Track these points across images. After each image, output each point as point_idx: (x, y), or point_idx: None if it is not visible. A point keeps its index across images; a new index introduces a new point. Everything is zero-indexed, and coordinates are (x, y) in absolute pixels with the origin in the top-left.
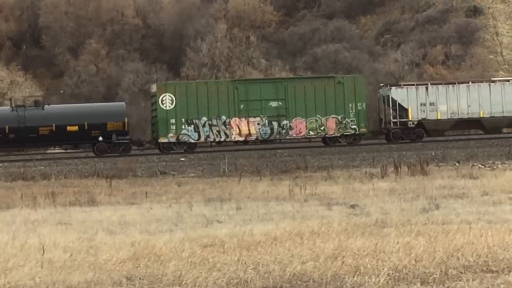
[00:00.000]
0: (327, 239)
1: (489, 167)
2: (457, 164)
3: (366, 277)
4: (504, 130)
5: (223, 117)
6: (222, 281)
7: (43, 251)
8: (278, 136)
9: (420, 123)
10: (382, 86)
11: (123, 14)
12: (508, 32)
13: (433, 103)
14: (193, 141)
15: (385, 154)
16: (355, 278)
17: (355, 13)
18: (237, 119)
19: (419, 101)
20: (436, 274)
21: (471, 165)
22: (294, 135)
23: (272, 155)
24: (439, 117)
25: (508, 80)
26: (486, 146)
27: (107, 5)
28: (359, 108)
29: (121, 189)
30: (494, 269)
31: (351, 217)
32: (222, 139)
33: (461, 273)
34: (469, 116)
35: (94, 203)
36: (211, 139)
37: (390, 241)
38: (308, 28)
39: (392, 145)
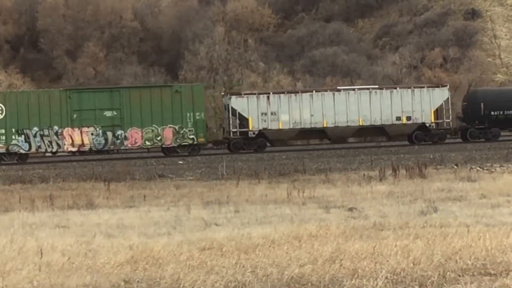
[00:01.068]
0: (325, 242)
1: (487, 170)
2: (455, 167)
3: (364, 280)
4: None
5: (55, 127)
6: (220, 284)
7: (41, 254)
8: (112, 146)
9: (262, 133)
10: (223, 94)
11: (121, 17)
12: (506, 35)
13: (274, 113)
14: (23, 151)
15: (384, 157)
16: (353, 281)
17: (353, 16)
18: (69, 129)
19: (260, 110)
20: (434, 277)
21: (469, 168)
22: (129, 145)
23: (270, 158)
24: (280, 127)
25: (353, 89)
26: (484, 149)
27: (105, 8)
28: (198, 117)
29: (119, 192)
30: (492, 272)
31: (349, 220)
32: (54, 150)
33: (459, 276)
34: (313, 126)
35: (92, 206)
36: (43, 150)
37: (388, 244)
38: (306, 31)
39: (391, 148)
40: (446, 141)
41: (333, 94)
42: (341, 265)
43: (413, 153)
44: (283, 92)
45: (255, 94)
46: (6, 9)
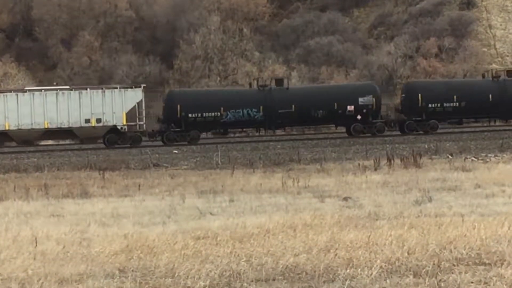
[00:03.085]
0: (320, 232)
1: (482, 160)
2: (450, 156)
3: (359, 270)
4: (499, 122)
5: None
6: (215, 273)
7: (36, 243)
8: None
9: None
10: None
11: (116, 6)
12: (501, 25)
13: None
14: None
15: (378, 146)
16: (348, 271)
17: (348, 6)
18: None
19: None
20: (429, 267)
21: (464, 157)
22: None
23: (265, 148)
24: None
25: (40, 90)
26: (479, 139)
27: None
28: None
29: (114, 181)
30: (487, 261)
31: (344, 209)
32: None
33: (454, 265)
34: None
35: (87, 195)
36: None
37: (383, 234)
38: (301, 20)
39: (386, 138)
40: (440, 130)
41: (17, 95)
42: (336, 255)
43: (408, 143)
44: None
45: None
46: None
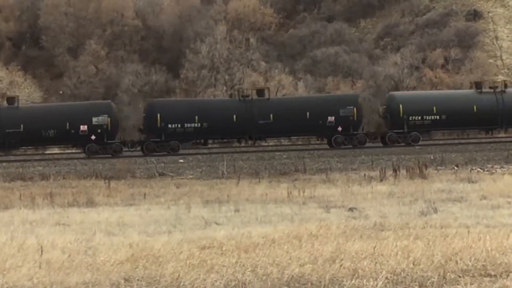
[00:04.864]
0: (325, 242)
1: (487, 171)
2: (456, 168)
3: (364, 280)
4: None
5: None
6: (220, 283)
7: (41, 251)
8: None
9: None
10: None
11: (123, 15)
12: (507, 36)
13: None
14: None
15: (384, 157)
16: (353, 281)
17: (355, 16)
18: None
19: None
20: (434, 278)
21: (469, 169)
22: None
23: (271, 157)
24: None
25: None
26: (485, 150)
27: (107, 6)
28: None
29: (119, 190)
30: (492, 273)
31: (350, 220)
32: None
33: (459, 277)
34: None
35: (92, 204)
36: None
37: (388, 245)
38: (307, 30)
39: (392, 149)
40: (447, 141)
41: None
42: (341, 265)
43: (413, 153)
44: None
45: None
46: (8, 6)
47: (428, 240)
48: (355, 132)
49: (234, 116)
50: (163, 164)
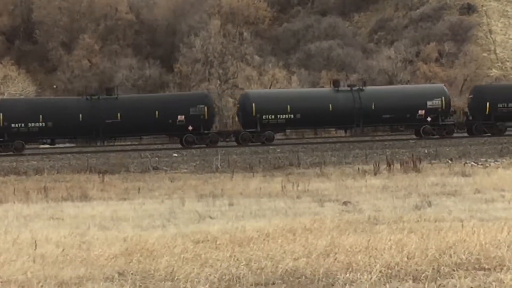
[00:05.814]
0: (319, 236)
1: (481, 165)
2: (449, 161)
3: (358, 274)
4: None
5: None
6: (215, 277)
7: (35, 246)
8: None
9: None
10: None
11: (117, 9)
12: (501, 30)
13: None
14: None
15: (378, 151)
16: (348, 275)
17: (348, 10)
18: None
19: None
20: (428, 272)
21: (463, 162)
22: None
23: (264, 151)
24: None
25: None
26: (479, 144)
27: (100, 0)
28: None
29: (113, 185)
30: (486, 266)
31: (344, 214)
32: None
33: (453, 270)
34: None
35: (86, 198)
36: None
37: (382, 238)
38: (301, 24)
39: (386, 142)
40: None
41: None
42: (335, 259)
43: (407, 147)
44: None
45: None
46: (1, 0)
47: (422, 234)
48: (206, 131)
49: (80, 116)
50: (157, 158)
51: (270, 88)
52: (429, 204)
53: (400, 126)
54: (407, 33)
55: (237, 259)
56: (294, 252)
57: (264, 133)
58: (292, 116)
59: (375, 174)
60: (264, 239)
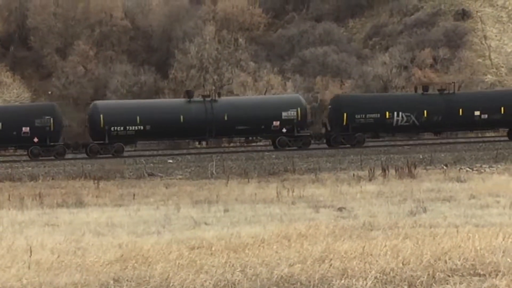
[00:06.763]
0: (314, 242)
1: (476, 170)
2: (444, 167)
3: (354, 280)
4: (489, 134)
5: None
6: (210, 283)
7: (31, 252)
8: None
9: None
10: None
11: (112, 15)
12: (496, 36)
13: None
14: None
15: (373, 157)
16: (343, 281)
17: (343, 16)
18: None
19: None
20: (424, 277)
21: (458, 168)
22: None
23: (260, 157)
24: None
25: None
26: (474, 149)
27: (95, 6)
28: None
29: (108, 191)
30: (481, 272)
31: (339, 220)
32: None
33: (449, 276)
34: None
35: (81, 205)
36: None
37: (377, 244)
38: (296, 30)
39: (380, 148)
40: (436, 141)
41: None
42: (330, 265)
43: (402, 153)
44: None
45: None
46: None
47: (417, 240)
48: (52, 144)
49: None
50: (152, 165)
51: (265, 94)
52: (424, 210)
53: (256, 138)
54: (402, 39)
55: (232, 265)
56: (289, 258)
57: (113, 145)
58: (141, 127)
59: (370, 180)
60: (259, 245)
